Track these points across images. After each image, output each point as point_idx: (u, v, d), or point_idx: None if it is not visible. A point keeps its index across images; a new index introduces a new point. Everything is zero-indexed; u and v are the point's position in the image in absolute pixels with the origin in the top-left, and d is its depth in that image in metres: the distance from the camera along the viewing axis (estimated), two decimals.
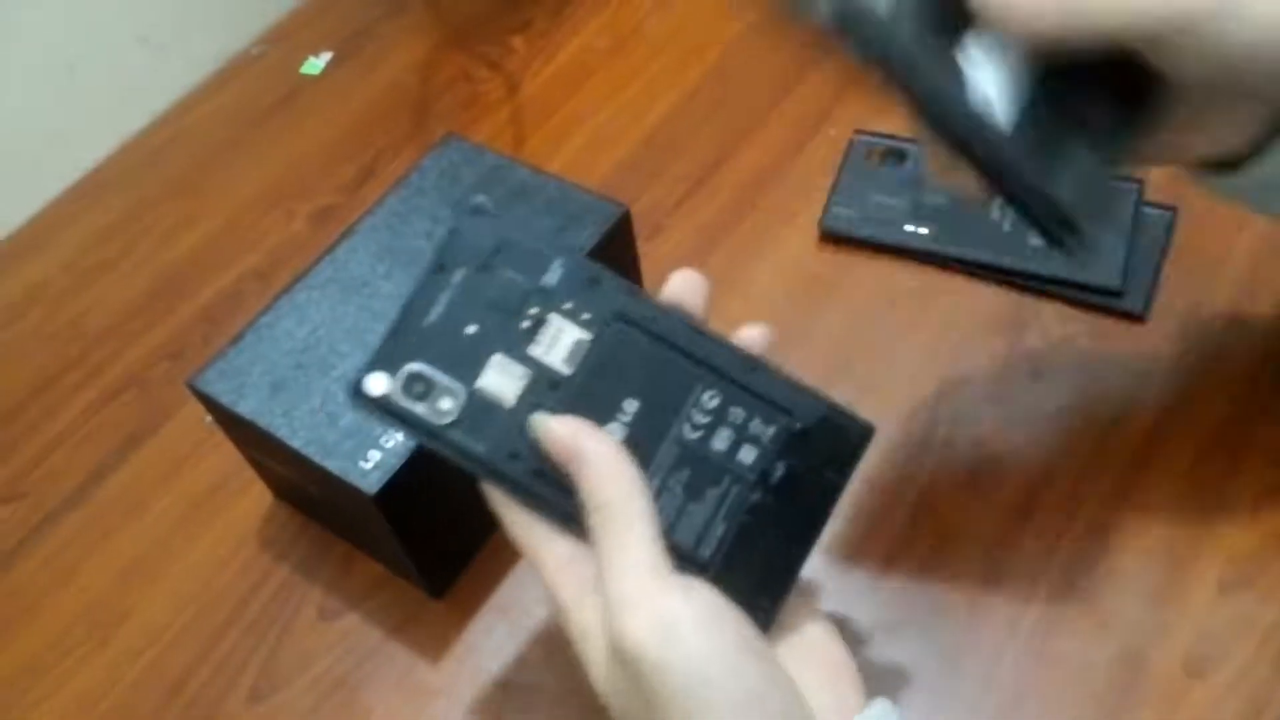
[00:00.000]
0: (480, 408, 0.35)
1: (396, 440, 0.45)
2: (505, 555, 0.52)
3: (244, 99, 0.77)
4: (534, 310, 0.36)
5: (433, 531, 0.49)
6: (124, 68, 0.76)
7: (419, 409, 0.35)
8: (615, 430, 0.36)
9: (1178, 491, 0.49)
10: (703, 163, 0.67)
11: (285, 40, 0.80)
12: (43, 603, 0.54)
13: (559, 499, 0.35)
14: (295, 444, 0.45)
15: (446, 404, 0.35)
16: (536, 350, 0.36)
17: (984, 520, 0.49)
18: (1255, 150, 0.40)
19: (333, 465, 0.44)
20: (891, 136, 0.64)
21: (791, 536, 0.37)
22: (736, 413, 0.37)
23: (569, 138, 0.70)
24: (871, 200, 0.61)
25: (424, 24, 0.80)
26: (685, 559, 0.36)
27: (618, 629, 0.33)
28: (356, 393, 0.35)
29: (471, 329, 0.36)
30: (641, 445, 0.36)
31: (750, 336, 0.39)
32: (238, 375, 0.48)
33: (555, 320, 0.36)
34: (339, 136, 0.73)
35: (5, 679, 0.51)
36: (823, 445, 0.38)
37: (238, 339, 0.49)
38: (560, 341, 0.36)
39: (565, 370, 0.36)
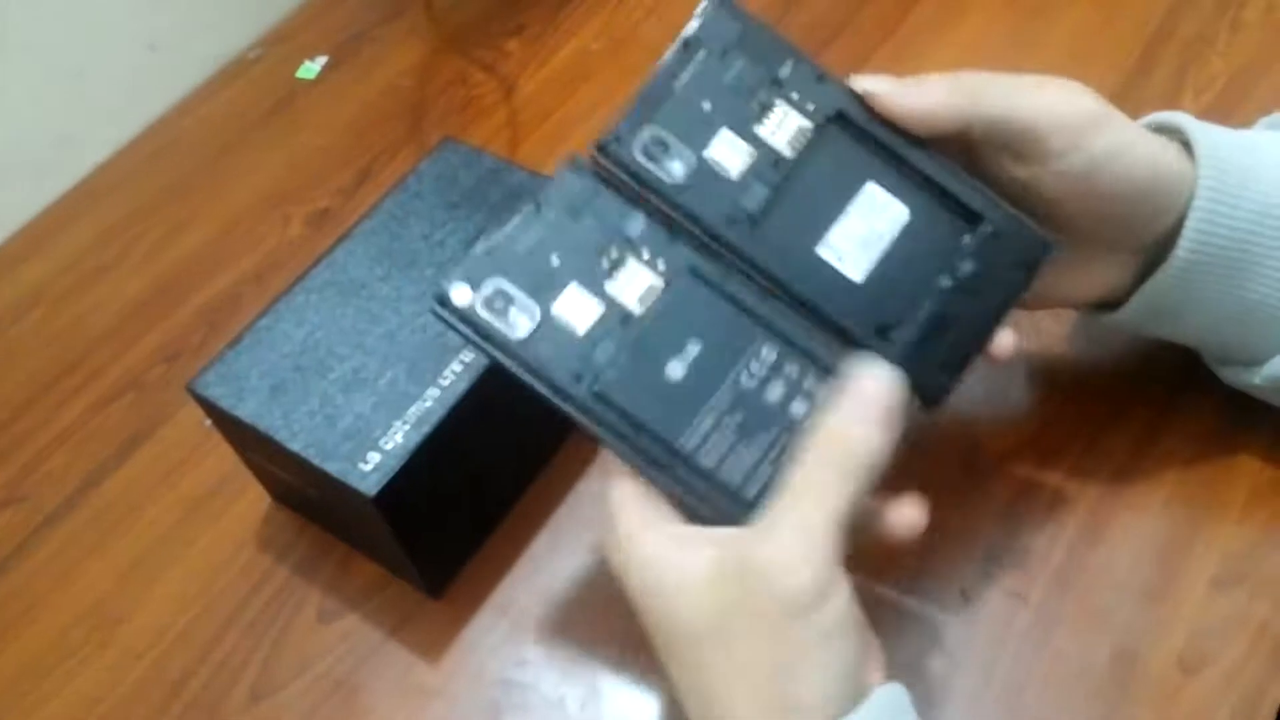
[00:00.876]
0: (552, 329, 0.38)
1: (395, 442, 0.45)
2: (503, 555, 0.52)
3: (240, 103, 0.77)
4: (614, 253, 0.39)
5: (431, 532, 0.49)
6: (129, 72, 0.76)
7: (496, 323, 0.38)
8: (676, 367, 0.38)
9: (1171, 489, 0.49)
10: None
11: (281, 44, 0.81)
12: (42, 605, 0.54)
13: (618, 422, 0.38)
14: (294, 447, 0.45)
15: (522, 321, 0.38)
16: (612, 288, 0.39)
17: (980, 518, 0.50)
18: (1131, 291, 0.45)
19: (332, 467, 0.45)
20: None
21: None
22: (791, 369, 0.39)
23: (565, 140, 0.70)
24: None
25: (419, 28, 0.80)
26: (730, 497, 0.38)
27: (789, 558, 0.35)
28: (441, 300, 0.38)
29: (554, 260, 0.39)
30: (699, 384, 0.38)
31: None
32: (236, 378, 0.48)
33: (632, 264, 0.39)
34: (335, 140, 0.73)
35: (6, 681, 0.52)
36: None
37: (236, 342, 0.49)
38: (634, 283, 0.39)
39: (636, 310, 0.39)
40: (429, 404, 0.46)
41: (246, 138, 0.75)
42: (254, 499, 0.56)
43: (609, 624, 0.49)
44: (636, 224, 0.39)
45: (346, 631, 0.51)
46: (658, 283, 0.39)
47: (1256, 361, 0.46)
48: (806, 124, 0.40)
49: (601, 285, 0.39)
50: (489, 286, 0.38)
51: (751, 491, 0.38)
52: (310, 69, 0.78)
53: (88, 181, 0.74)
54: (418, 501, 0.46)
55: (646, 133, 0.40)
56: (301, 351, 0.48)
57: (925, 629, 0.47)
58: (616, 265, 0.39)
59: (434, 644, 0.50)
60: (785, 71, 0.41)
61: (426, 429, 0.45)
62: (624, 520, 0.37)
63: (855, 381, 0.37)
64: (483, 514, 0.52)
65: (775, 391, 0.39)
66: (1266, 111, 0.51)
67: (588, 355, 0.38)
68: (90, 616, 0.53)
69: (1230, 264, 0.43)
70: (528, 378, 0.38)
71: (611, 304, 0.38)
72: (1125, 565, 0.47)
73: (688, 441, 0.38)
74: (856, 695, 0.35)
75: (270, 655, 0.51)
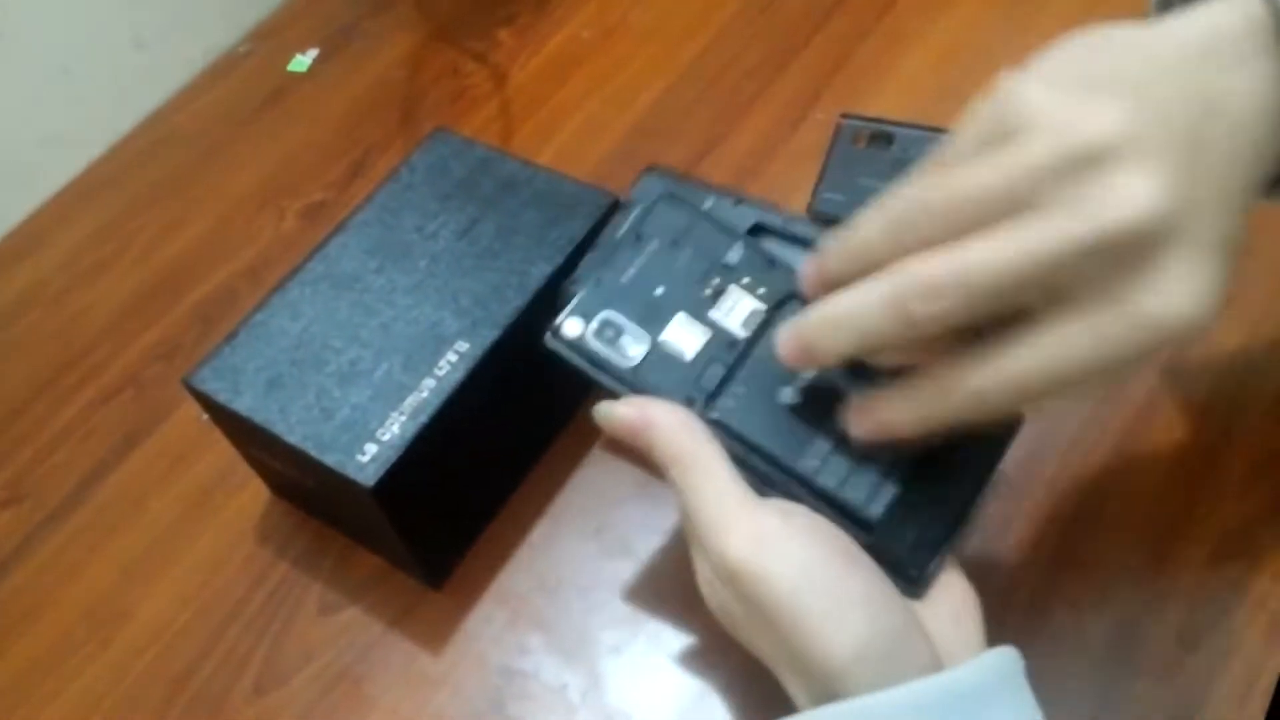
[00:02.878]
0: (661, 357, 0.39)
1: (392, 433, 0.45)
2: (503, 544, 0.52)
3: (232, 98, 0.77)
4: (716, 281, 0.40)
5: (430, 522, 0.49)
6: (117, 70, 0.76)
7: (608, 351, 0.39)
8: (788, 393, 0.39)
9: (1170, 464, 0.49)
10: (691, 151, 0.67)
11: (271, 38, 0.80)
12: (46, 603, 0.54)
13: (735, 446, 0.38)
14: (292, 439, 0.45)
15: (632, 350, 0.39)
16: (716, 314, 0.40)
17: None
18: None
19: (330, 459, 0.45)
20: (878, 119, 0.64)
21: (947, 508, 0.39)
22: None
23: (558, 129, 0.70)
24: (860, 184, 0.61)
25: (410, 19, 0.80)
26: (852, 517, 0.37)
27: (719, 550, 0.35)
28: (554, 334, 0.39)
29: (659, 290, 0.40)
30: (813, 408, 0.39)
31: None
32: (233, 372, 0.48)
33: (735, 291, 0.40)
34: (328, 133, 0.73)
35: (11, 679, 0.52)
36: (977, 428, 0.38)
37: (232, 336, 0.49)
38: (738, 309, 0.40)
39: (742, 334, 0.40)
40: (425, 394, 0.46)
41: (238, 133, 0.75)
42: (253, 493, 0.56)
43: (610, 610, 0.49)
44: (735, 252, 0.40)
45: (348, 623, 0.51)
46: (760, 307, 0.40)
47: None
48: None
49: (706, 312, 0.40)
50: (599, 318, 0.39)
51: (876, 511, 0.37)
52: (301, 62, 0.78)
53: (79, 180, 0.74)
54: (416, 492, 0.46)
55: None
56: (297, 345, 0.48)
57: None
58: (719, 293, 0.40)
59: (436, 634, 0.50)
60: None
61: (423, 419, 0.45)
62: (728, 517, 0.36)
63: (645, 419, 0.37)
64: (481, 503, 0.53)
65: None
66: None
67: (697, 379, 0.39)
68: (93, 614, 0.53)
69: None
70: None
71: (717, 330, 0.39)
72: (1123, 540, 0.48)
73: (808, 465, 0.38)
74: (890, 635, 0.34)
75: (273, 648, 0.51)
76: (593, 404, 0.39)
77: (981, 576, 0.47)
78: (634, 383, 0.38)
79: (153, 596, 0.54)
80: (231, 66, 0.79)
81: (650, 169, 0.48)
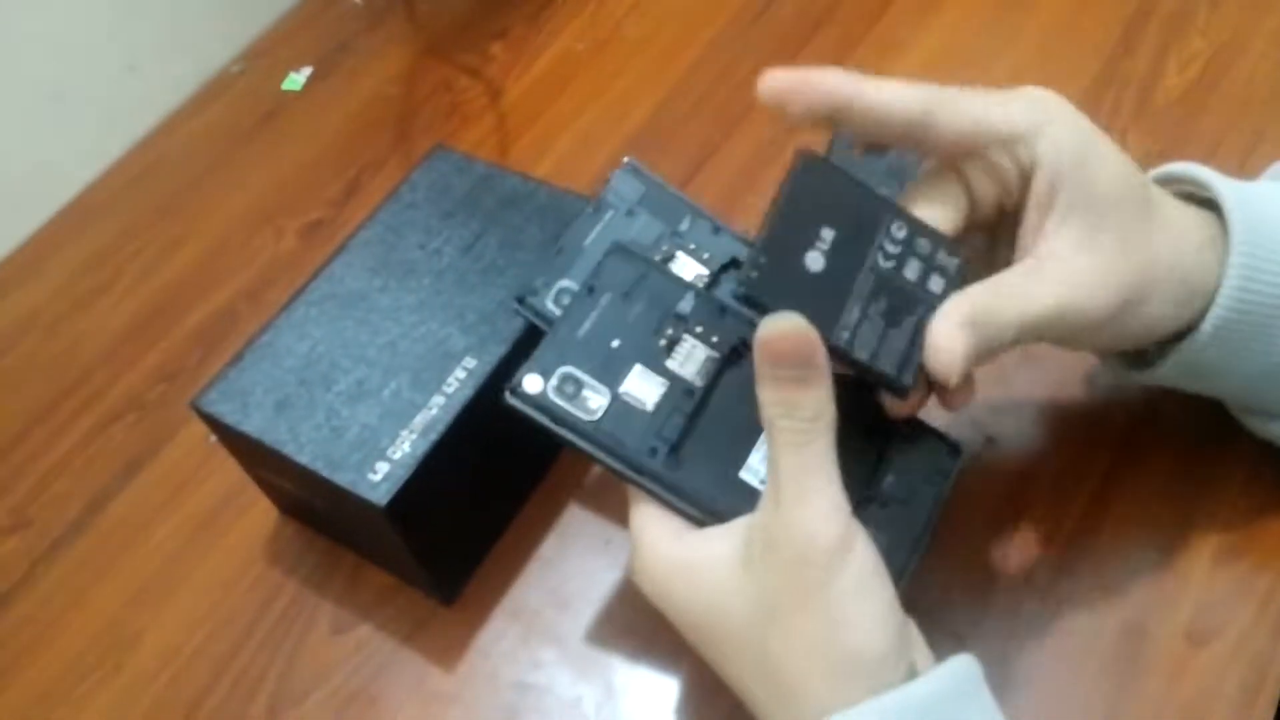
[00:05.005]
0: (623, 408, 0.40)
1: (403, 451, 0.45)
2: (513, 558, 0.52)
3: (226, 118, 0.77)
4: (670, 331, 0.41)
5: (442, 539, 0.49)
6: (109, 94, 0.76)
7: (569, 406, 0.40)
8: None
9: (1173, 463, 0.50)
10: (688, 161, 0.67)
11: (264, 57, 0.81)
12: (55, 630, 0.54)
13: (693, 487, 0.39)
14: (303, 460, 0.45)
15: (594, 404, 0.40)
16: (672, 364, 0.41)
17: (984, 503, 0.50)
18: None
19: (341, 479, 0.45)
20: None
21: (904, 540, 0.41)
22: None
23: (554, 143, 0.70)
24: None
25: (402, 35, 0.80)
26: (888, 386, 0.39)
27: (804, 519, 0.35)
28: (514, 392, 0.40)
29: (615, 343, 0.41)
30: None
31: None
32: (241, 394, 0.48)
33: (688, 340, 0.41)
34: (323, 151, 0.73)
35: (21, 708, 0.52)
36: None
37: (238, 358, 0.49)
38: (693, 358, 0.41)
39: (698, 382, 0.41)
40: (434, 412, 0.46)
41: (234, 153, 0.75)
42: (261, 513, 0.56)
43: (622, 622, 0.49)
44: (687, 301, 0.42)
45: (361, 642, 0.51)
46: (713, 355, 0.41)
47: None
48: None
49: (662, 363, 0.41)
50: (558, 374, 0.40)
51: (908, 379, 0.39)
52: (295, 81, 0.78)
53: (74, 205, 0.74)
54: (428, 510, 0.46)
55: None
56: (305, 365, 0.48)
57: (934, 616, 0.47)
58: (674, 342, 0.41)
59: (448, 650, 0.50)
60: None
61: (433, 436, 0.45)
62: (649, 540, 0.39)
63: (762, 348, 0.35)
64: (491, 518, 0.53)
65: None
66: (1250, 86, 0.51)
67: (660, 429, 0.40)
68: (103, 639, 0.53)
69: (1270, 322, 0.41)
70: (603, 455, 0.39)
71: (675, 379, 0.41)
72: (1130, 541, 0.48)
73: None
74: (903, 644, 0.36)
75: (286, 670, 0.51)
76: None
77: (990, 579, 0.48)
78: (597, 436, 0.39)
79: (162, 620, 0.53)
80: (225, 87, 0.79)
81: (627, 165, 0.48)
